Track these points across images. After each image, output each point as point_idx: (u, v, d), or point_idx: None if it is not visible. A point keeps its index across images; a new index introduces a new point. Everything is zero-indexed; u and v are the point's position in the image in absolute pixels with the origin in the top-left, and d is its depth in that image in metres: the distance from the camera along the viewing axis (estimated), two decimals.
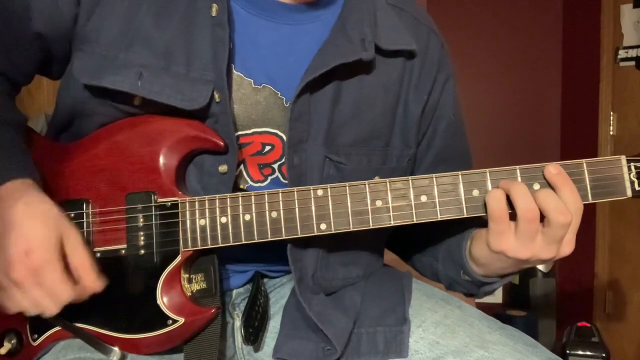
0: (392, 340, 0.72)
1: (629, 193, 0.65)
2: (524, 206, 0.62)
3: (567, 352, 2.01)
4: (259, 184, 0.75)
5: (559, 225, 0.62)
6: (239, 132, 0.72)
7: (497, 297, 2.80)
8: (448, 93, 0.83)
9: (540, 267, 2.52)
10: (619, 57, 2.34)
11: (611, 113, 2.40)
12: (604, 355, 1.98)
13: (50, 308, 0.61)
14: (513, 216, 0.64)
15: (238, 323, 0.78)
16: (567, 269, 2.65)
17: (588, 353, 2.00)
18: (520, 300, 2.60)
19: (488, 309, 0.83)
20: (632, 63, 2.28)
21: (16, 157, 0.66)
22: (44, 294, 0.60)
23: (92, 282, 0.62)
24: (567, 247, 0.65)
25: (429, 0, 2.16)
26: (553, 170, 0.64)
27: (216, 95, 0.69)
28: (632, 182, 0.65)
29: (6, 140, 0.67)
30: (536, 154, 2.79)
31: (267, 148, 0.74)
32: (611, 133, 2.40)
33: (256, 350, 0.76)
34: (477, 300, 1.60)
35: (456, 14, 2.81)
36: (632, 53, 2.29)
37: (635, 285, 2.24)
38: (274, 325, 0.77)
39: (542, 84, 2.83)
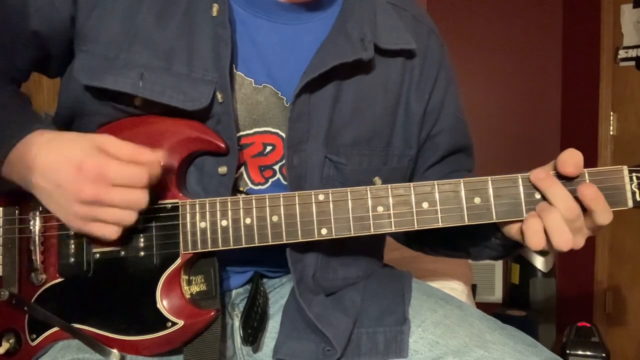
0: (392, 341, 0.72)
1: (630, 204, 0.65)
2: (559, 240, 0.62)
3: (567, 352, 2.01)
4: (259, 187, 0.75)
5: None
6: (241, 133, 0.72)
7: (497, 297, 2.80)
8: (452, 92, 0.83)
9: (540, 267, 2.52)
10: (619, 57, 2.34)
11: (611, 113, 2.40)
12: (604, 355, 1.97)
13: (140, 197, 0.61)
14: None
15: (237, 323, 0.78)
16: (567, 269, 2.65)
17: (588, 353, 1.99)
18: (520, 300, 2.59)
19: (488, 309, 0.84)
20: (632, 63, 2.28)
21: (32, 114, 0.68)
22: (122, 190, 0.60)
23: (151, 155, 0.62)
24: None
25: (429, 0, 2.16)
26: (590, 194, 0.62)
27: (219, 96, 0.69)
28: (633, 193, 0.65)
29: (14, 102, 0.69)
30: (536, 153, 2.79)
31: (268, 148, 0.74)
32: (611, 133, 2.40)
33: (255, 350, 0.76)
34: (477, 301, 1.60)
35: (456, 13, 2.81)
36: (632, 53, 2.29)
37: (635, 285, 2.24)
38: (273, 326, 0.77)
39: (542, 84, 2.83)
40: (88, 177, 0.59)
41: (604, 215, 0.62)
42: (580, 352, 2.00)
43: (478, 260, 0.84)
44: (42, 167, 0.61)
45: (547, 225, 0.62)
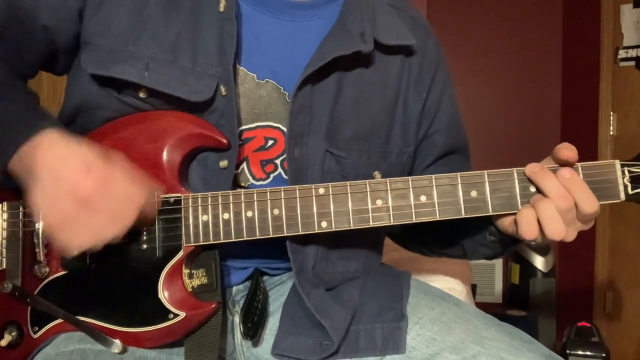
0: (389, 337, 0.72)
1: (623, 196, 0.67)
2: (552, 230, 0.64)
3: (567, 352, 2.01)
4: (260, 182, 0.76)
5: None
6: (243, 127, 0.73)
7: (497, 297, 2.80)
8: (448, 92, 0.85)
9: (540, 267, 2.52)
10: (619, 57, 2.34)
11: (611, 113, 2.41)
12: (604, 355, 1.98)
13: (127, 216, 0.61)
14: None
15: (237, 319, 0.78)
16: (567, 268, 2.65)
17: (588, 353, 2.00)
18: (520, 300, 2.60)
19: (488, 308, 0.84)
20: (632, 63, 2.28)
21: (39, 112, 0.68)
22: (115, 202, 0.60)
23: (144, 196, 0.63)
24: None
25: (429, 0, 2.17)
26: (567, 174, 0.65)
27: (222, 89, 0.70)
28: (625, 186, 0.66)
29: (26, 101, 0.69)
30: (536, 153, 2.77)
31: (270, 142, 0.75)
32: (611, 133, 2.40)
33: (255, 345, 0.77)
34: (477, 301, 1.61)
35: (456, 13, 2.81)
36: (632, 53, 2.29)
37: (635, 285, 2.24)
38: (273, 323, 0.78)
39: (542, 84, 2.83)
40: (92, 178, 0.59)
41: (585, 200, 0.64)
42: (580, 352, 2.00)
43: (473, 259, 0.85)
44: (51, 159, 0.61)
45: (541, 215, 0.64)
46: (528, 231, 0.65)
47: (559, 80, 2.82)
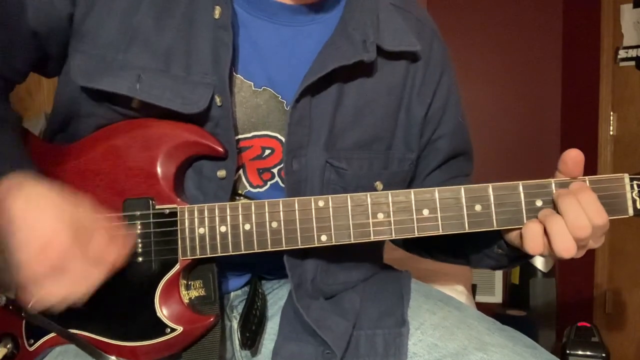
0: (391, 343, 0.71)
1: (631, 212, 0.65)
2: (562, 247, 0.61)
3: (567, 352, 2.01)
4: (257, 190, 0.74)
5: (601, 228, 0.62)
6: (239, 136, 0.72)
7: (497, 297, 2.80)
8: (453, 97, 0.83)
9: (540, 267, 2.52)
10: (619, 57, 2.34)
11: (611, 113, 2.40)
12: (604, 355, 1.97)
13: (80, 294, 0.59)
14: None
15: (236, 325, 0.77)
16: (567, 268, 2.64)
17: (588, 353, 1.99)
18: (520, 300, 2.59)
19: (488, 309, 0.83)
20: (632, 63, 2.28)
21: (8, 153, 0.64)
22: (70, 284, 0.58)
23: (117, 256, 0.61)
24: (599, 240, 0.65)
25: (429, 0, 2.16)
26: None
27: (217, 99, 0.68)
28: (634, 201, 0.64)
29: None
30: (536, 154, 2.79)
31: (267, 152, 0.73)
32: (611, 133, 2.40)
33: (254, 354, 0.76)
34: (477, 301, 1.60)
35: (456, 14, 2.80)
36: (632, 53, 2.28)
37: (635, 285, 2.23)
38: (271, 327, 0.77)
39: (542, 84, 2.82)
40: (46, 261, 0.56)
41: (596, 214, 0.62)
42: (580, 352, 2.00)
43: (476, 267, 0.83)
44: (15, 216, 0.57)
45: (551, 231, 0.62)
46: (533, 246, 0.63)
47: (559, 80, 2.81)
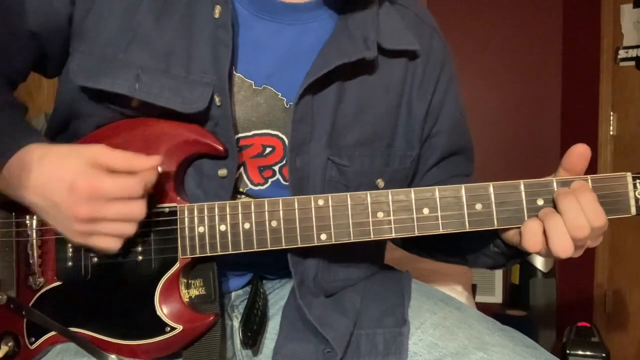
0: (391, 342, 0.71)
1: (634, 211, 0.64)
2: (560, 246, 0.61)
3: (567, 352, 2.01)
4: (259, 187, 0.75)
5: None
6: (239, 135, 0.72)
7: (497, 297, 2.80)
8: (452, 93, 0.83)
9: (540, 267, 2.52)
10: (619, 57, 2.34)
11: (611, 113, 2.40)
12: (604, 355, 1.97)
13: (137, 209, 0.61)
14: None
15: (237, 324, 0.77)
16: (567, 268, 2.64)
17: (588, 353, 1.99)
18: (520, 300, 2.59)
19: (488, 309, 0.84)
20: (632, 63, 2.28)
21: (23, 128, 0.67)
22: (117, 204, 0.60)
23: (146, 162, 0.62)
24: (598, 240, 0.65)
25: (429, 0, 2.16)
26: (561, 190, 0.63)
27: (217, 99, 0.68)
28: (637, 200, 0.64)
29: (6, 114, 0.68)
30: (536, 154, 2.79)
31: (268, 150, 0.73)
32: (611, 133, 2.40)
33: (255, 354, 0.76)
34: (477, 301, 1.60)
35: (456, 13, 2.80)
36: (632, 53, 2.28)
37: (635, 285, 2.23)
38: (272, 327, 0.77)
39: (542, 84, 2.82)
40: (81, 196, 0.58)
41: (595, 216, 0.62)
42: (580, 352, 2.00)
43: (474, 267, 0.83)
44: (35, 186, 0.60)
45: (550, 230, 0.62)
46: (532, 244, 0.63)
47: (559, 80, 2.82)
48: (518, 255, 0.73)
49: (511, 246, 0.70)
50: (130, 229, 0.62)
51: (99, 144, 0.62)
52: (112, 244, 0.62)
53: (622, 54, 2.32)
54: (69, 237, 0.63)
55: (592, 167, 0.66)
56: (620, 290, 2.33)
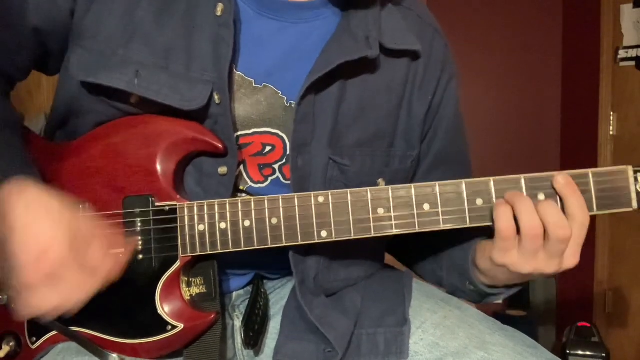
0: (392, 342, 0.72)
1: (635, 205, 0.64)
2: (528, 223, 0.62)
3: (567, 352, 2.01)
4: (259, 185, 0.75)
5: (558, 240, 0.62)
6: (239, 133, 0.72)
7: None
8: (451, 93, 0.83)
9: None
10: (619, 57, 2.34)
11: (611, 113, 2.40)
12: (604, 355, 1.97)
13: (73, 303, 0.58)
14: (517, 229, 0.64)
15: (238, 324, 0.77)
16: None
17: (588, 353, 1.99)
18: (521, 301, 2.59)
19: (488, 309, 0.84)
20: (632, 63, 2.27)
21: (10, 156, 0.63)
22: (64, 293, 0.57)
23: (113, 268, 0.60)
24: (571, 260, 0.64)
25: (429, 0, 2.16)
26: (562, 180, 0.64)
27: (216, 97, 0.68)
28: (638, 194, 0.64)
29: (1, 141, 0.65)
30: (536, 154, 2.79)
31: (268, 149, 0.73)
32: (611, 133, 2.40)
33: (256, 353, 0.76)
34: None
35: (456, 13, 2.80)
36: (632, 53, 2.28)
37: (635, 285, 2.23)
38: (273, 326, 0.77)
39: (542, 84, 2.83)
40: (41, 269, 0.55)
41: (577, 207, 0.63)
42: (580, 352, 2.00)
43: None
44: (13, 221, 0.56)
45: (518, 210, 0.62)
46: (505, 226, 0.63)
47: (559, 81, 2.82)
48: (489, 295, 0.74)
49: (486, 286, 0.73)
50: (73, 302, 0.58)
51: (87, 218, 0.60)
52: (32, 312, 0.58)
53: (622, 54, 2.32)
54: (15, 273, 0.57)
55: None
56: (620, 290, 2.33)
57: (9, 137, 0.66)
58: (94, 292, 0.59)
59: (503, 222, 0.63)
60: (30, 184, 0.59)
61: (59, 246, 0.56)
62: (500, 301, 0.77)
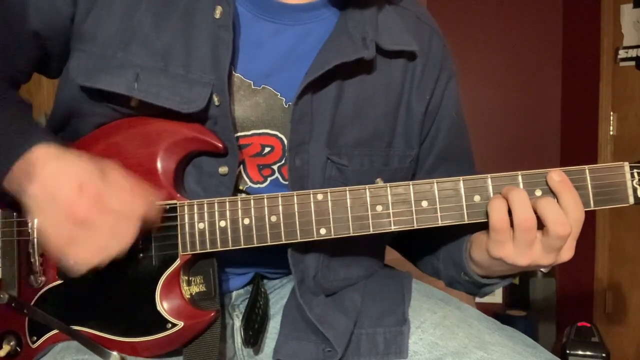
0: (391, 341, 0.72)
1: (632, 200, 0.65)
2: (521, 215, 0.62)
3: (567, 352, 2.01)
4: (258, 185, 0.75)
5: (558, 237, 0.62)
6: (238, 134, 0.72)
7: (497, 297, 2.80)
8: (450, 92, 0.83)
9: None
10: (619, 57, 2.34)
11: (611, 113, 2.40)
12: (604, 355, 1.98)
13: (128, 230, 0.60)
14: (512, 222, 0.64)
15: (238, 323, 0.78)
16: (567, 269, 2.65)
17: (588, 353, 2.00)
18: (521, 300, 2.60)
19: (488, 309, 0.84)
20: (632, 63, 2.28)
21: (32, 126, 0.66)
22: (114, 218, 0.58)
23: (148, 212, 0.61)
24: (567, 253, 0.65)
25: (429, 0, 2.16)
26: (556, 177, 0.64)
27: (215, 99, 0.68)
28: (634, 189, 0.64)
29: (20, 114, 0.68)
30: (536, 154, 2.79)
31: (267, 150, 0.74)
32: (611, 133, 2.40)
33: (256, 352, 0.76)
34: (477, 300, 1.60)
35: (456, 13, 2.81)
36: (632, 53, 2.28)
37: (635, 285, 2.24)
38: (273, 326, 0.77)
39: (542, 84, 2.83)
40: (86, 198, 0.58)
41: (572, 203, 0.63)
42: (580, 352, 2.00)
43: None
44: (44, 177, 0.59)
45: (512, 201, 0.63)
46: (498, 219, 0.63)
47: (559, 80, 2.82)
48: (485, 285, 0.74)
49: (478, 279, 0.73)
50: (110, 250, 0.59)
51: (113, 163, 0.62)
52: (89, 259, 0.59)
53: (622, 54, 2.33)
54: (49, 239, 0.60)
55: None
56: (620, 290, 2.33)
57: (29, 115, 0.69)
58: (135, 236, 0.60)
59: (496, 214, 0.63)
60: (57, 145, 0.62)
61: (84, 192, 0.58)
62: (493, 293, 0.77)
